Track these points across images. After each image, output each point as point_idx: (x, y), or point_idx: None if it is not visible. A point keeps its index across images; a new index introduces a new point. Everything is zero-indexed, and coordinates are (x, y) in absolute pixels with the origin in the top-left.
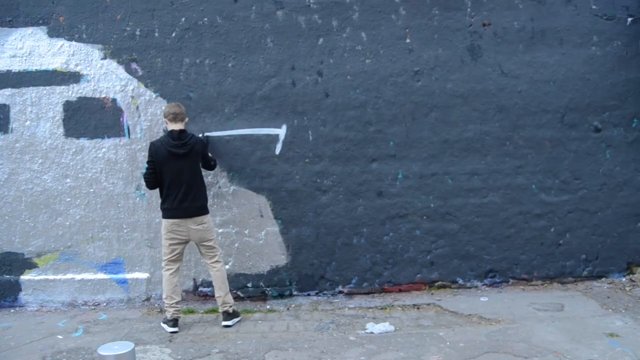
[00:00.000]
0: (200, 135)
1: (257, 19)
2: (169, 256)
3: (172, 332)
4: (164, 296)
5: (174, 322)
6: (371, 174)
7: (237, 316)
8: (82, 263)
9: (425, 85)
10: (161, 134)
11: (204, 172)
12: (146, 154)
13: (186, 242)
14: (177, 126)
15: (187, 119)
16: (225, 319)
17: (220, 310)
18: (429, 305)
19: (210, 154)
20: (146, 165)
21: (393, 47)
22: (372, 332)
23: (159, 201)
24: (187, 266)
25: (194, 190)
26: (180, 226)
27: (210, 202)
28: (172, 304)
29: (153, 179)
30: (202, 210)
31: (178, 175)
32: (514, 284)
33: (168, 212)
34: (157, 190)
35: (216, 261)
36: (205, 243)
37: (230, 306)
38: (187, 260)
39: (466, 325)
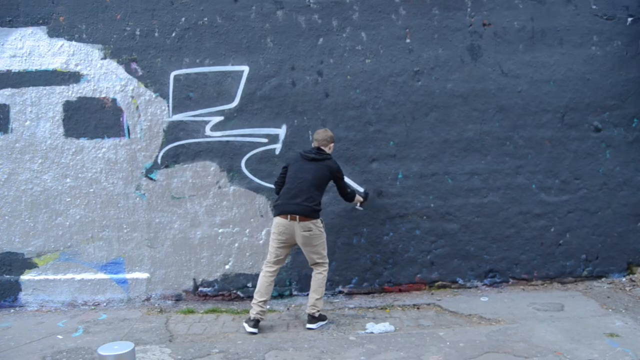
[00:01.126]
0: (363, 190)
1: (257, 19)
2: (270, 256)
3: (250, 333)
4: (255, 292)
5: (255, 323)
6: (371, 174)
7: (324, 319)
8: (82, 263)
9: (425, 85)
10: (161, 133)
11: None
12: (146, 153)
13: (291, 246)
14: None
15: (332, 145)
16: (309, 322)
17: (307, 311)
18: (429, 305)
19: (348, 188)
20: (281, 172)
21: (393, 47)
22: (372, 332)
23: (159, 201)
24: (187, 266)
25: (311, 194)
26: (284, 227)
27: (210, 201)
28: (261, 302)
29: (282, 182)
30: (309, 216)
31: (302, 174)
32: (514, 284)
33: (277, 208)
34: (158, 190)
35: (316, 267)
36: (309, 248)
37: (318, 310)
38: (187, 260)
39: (466, 325)
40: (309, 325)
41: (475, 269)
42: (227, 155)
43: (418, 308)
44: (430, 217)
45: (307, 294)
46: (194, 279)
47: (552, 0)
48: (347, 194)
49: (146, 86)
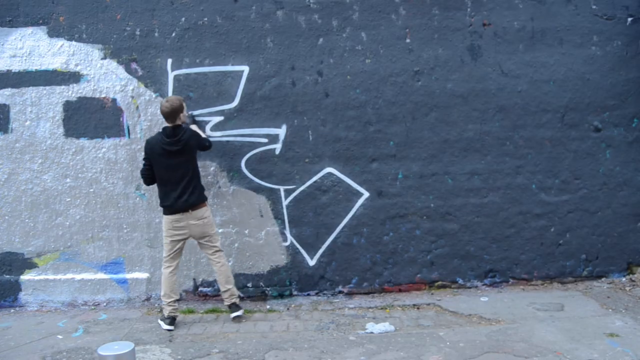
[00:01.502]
0: (188, 114)
1: (257, 19)
2: (169, 253)
3: (168, 330)
4: (162, 294)
5: (171, 320)
6: (371, 174)
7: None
8: (82, 263)
9: (425, 85)
10: None
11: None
12: None
13: (185, 239)
14: (171, 123)
15: (182, 113)
16: (234, 310)
17: (228, 302)
18: (429, 305)
19: (202, 134)
20: (143, 162)
21: (393, 47)
22: (372, 332)
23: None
24: (187, 266)
25: (192, 184)
26: (181, 222)
27: (210, 202)
28: (170, 302)
29: (149, 174)
30: (200, 203)
31: (174, 172)
32: (514, 284)
33: (168, 209)
34: (156, 190)
35: (219, 256)
36: (206, 238)
37: (237, 297)
38: (187, 260)
39: (466, 325)
40: (235, 314)
41: (475, 269)
42: (227, 155)
43: (418, 308)
44: (430, 217)
45: (308, 294)
46: (194, 279)
47: (552, 0)
48: (207, 146)
49: (146, 86)
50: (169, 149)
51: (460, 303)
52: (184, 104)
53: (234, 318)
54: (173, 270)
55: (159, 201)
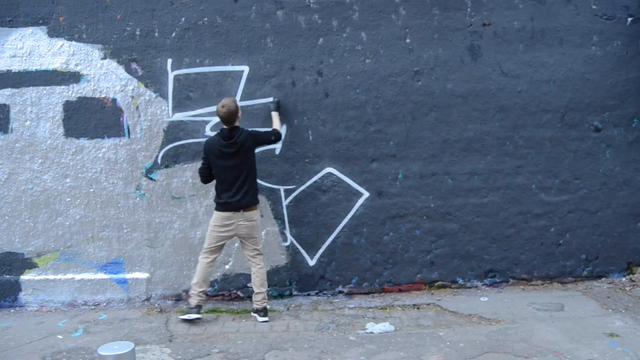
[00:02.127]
0: (272, 99)
1: (257, 19)
2: (211, 246)
3: (196, 318)
4: (194, 281)
5: (198, 309)
6: (371, 174)
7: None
8: (82, 263)
9: (425, 85)
10: (161, 133)
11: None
12: (146, 153)
13: (231, 237)
14: (228, 126)
15: (239, 116)
16: (263, 315)
17: (259, 306)
18: (429, 305)
19: (275, 124)
20: (201, 161)
21: (393, 47)
22: (372, 332)
23: (159, 201)
24: (187, 266)
25: (246, 185)
26: (231, 220)
27: (210, 202)
28: (200, 292)
29: (207, 174)
30: (252, 205)
31: (230, 172)
32: (514, 284)
33: (221, 205)
34: (158, 190)
35: (259, 260)
36: (251, 240)
37: (267, 302)
38: (187, 260)
39: (466, 325)
40: (263, 319)
41: (475, 269)
42: None
43: (418, 308)
44: (430, 217)
45: (308, 294)
46: None
47: (552, 0)
48: (274, 140)
49: (146, 86)
50: (225, 150)
51: (460, 303)
52: (238, 105)
53: (262, 322)
54: (210, 262)
55: (214, 199)
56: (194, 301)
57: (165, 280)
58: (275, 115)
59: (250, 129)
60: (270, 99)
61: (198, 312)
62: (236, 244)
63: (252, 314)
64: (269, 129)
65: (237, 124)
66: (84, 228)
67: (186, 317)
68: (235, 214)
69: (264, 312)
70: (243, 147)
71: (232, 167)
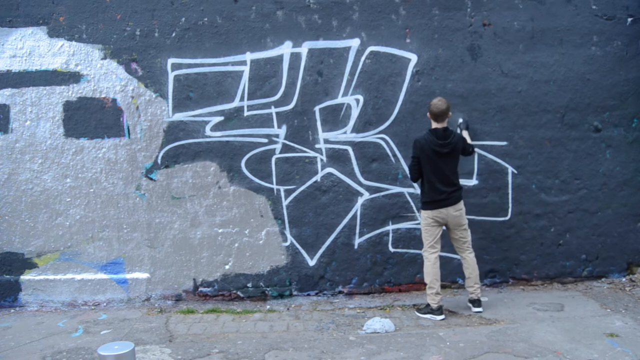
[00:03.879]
0: (460, 121)
1: (257, 19)
2: (431, 241)
3: (441, 320)
4: (428, 280)
5: (441, 310)
6: (371, 174)
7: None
8: (82, 263)
9: (425, 85)
10: (161, 134)
11: None
12: (146, 154)
13: (444, 224)
14: (440, 125)
15: (450, 114)
16: (477, 306)
17: (475, 297)
18: None
19: (468, 140)
20: (411, 159)
21: (393, 47)
22: (374, 329)
23: (159, 201)
24: (187, 266)
25: (454, 182)
26: (442, 213)
27: (210, 202)
28: (438, 290)
29: (418, 172)
30: (460, 198)
31: (442, 171)
32: (514, 284)
33: (431, 204)
34: (158, 191)
35: (468, 246)
36: (461, 228)
37: (479, 293)
38: (187, 260)
39: (466, 325)
40: (477, 309)
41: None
42: (227, 155)
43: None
44: None
45: (308, 294)
46: (194, 279)
47: (552, 0)
48: (470, 152)
49: (146, 86)
50: (439, 150)
51: (460, 303)
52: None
53: (476, 313)
54: (437, 256)
55: (420, 195)
56: (435, 303)
57: (165, 280)
58: (466, 135)
59: (459, 134)
60: (464, 119)
61: (442, 314)
62: (236, 244)
63: (468, 303)
64: (469, 143)
65: (445, 124)
66: (84, 228)
67: (428, 317)
68: (447, 209)
69: (479, 303)
70: (456, 148)
71: (443, 166)
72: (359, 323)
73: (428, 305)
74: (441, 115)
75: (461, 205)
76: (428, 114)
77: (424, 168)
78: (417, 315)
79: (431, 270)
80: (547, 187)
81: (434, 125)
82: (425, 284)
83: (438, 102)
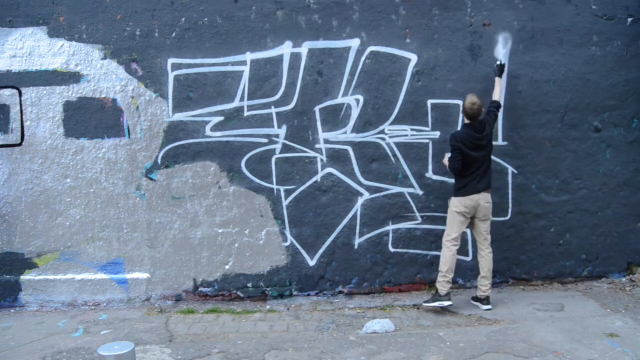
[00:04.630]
0: (498, 63)
1: (257, 19)
2: (456, 232)
3: (449, 305)
4: (444, 269)
5: (449, 296)
6: (371, 174)
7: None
8: (82, 263)
9: (425, 85)
10: (161, 134)
11: None
12: (146, 154)
13: (471, 218)
14: (476, 119)
15: (483, 110)
16: (486, 304)
17: (482, 295)
18: None
19: (491, 102)
20: (451, 154)
21: (393, 47)
22: (374, 330)
23: (159, 201)
24: (187, 266)
25: (488, 170)
26: (473, 201)
27: (210, 201)
28: (450, 279)
29: (461, 164)
30: (490, 187)
31: (480, 161)
32: (514, 284)
33: (466, 190)
34: (158, 191)
35: (489, 243)
36: (487, 221)
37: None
38: (187, 260)
39: (466, 325)
40: (486, 307)
41: (475, 269)
42: (227, 155)
43: (418, 308)
44: (430, 217)
45: (308, 294)
46: (194, 279)
47: (552, 0)
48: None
49: (146, 86)
50: (478, 143)
51: (460, 303)
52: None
53: (486, 310)
54: (456, 250)
55: (456, 184)
56: (445, 289)
57: (165, 280)
58: (498, 83)
59: (482, 117)
60: (498, 62)
61: (450, 299)
62: (236, 244)
63: (473, 302)
64: (490, 107)
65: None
66: (84, 228)
67: (436, 304)
68: (479, 195)
69: (487, 300)
70: (489, 136)
71: (482, 157)
72: (359, 323)
73: (436, 292)
74: (476, 115)
75: (490, 196)
76: (462, 112)
77: (466, 159)
78: (417, 315)
79: (450, 260)
80: (547, 187)
81: (470, 120)
82: (425, 284)
83: (472, 106)
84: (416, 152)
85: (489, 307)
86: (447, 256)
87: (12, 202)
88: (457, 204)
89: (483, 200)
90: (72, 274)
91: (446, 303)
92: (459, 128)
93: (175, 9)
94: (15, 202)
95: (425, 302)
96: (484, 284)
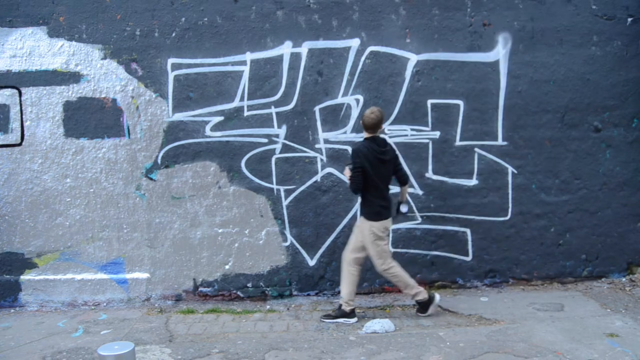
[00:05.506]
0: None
1: (257, 19)
2: (388, 253)
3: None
4: (412, 283)
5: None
6: None
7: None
8: (82, 263)
9: (425, 85)
10: (161, 134)
11: None
12: (146, 154)
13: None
14: (373, 132)
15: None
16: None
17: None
18: None
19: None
20: (353, 169)
21: (393, 47)
22: (374, 330)
23: (159, 201)
24: (187, 266)
25: (388, 192)
26: (390, 226)
27: (210, 202)
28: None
29: (362, 182)
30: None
31: (384, 178)
32: (514, 284)
33: (384, 213)
34: (158, 191)
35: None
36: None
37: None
38: (187, 260)
39: (466, 325)
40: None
41: (475, 269)
42: (227, 155)
43: None
44: (430, 217)
45: (308, 294)
46: (194, 279)
47: (552, 0)
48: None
49: (146, 86)
50: (382, 157)
51: (460, 303)
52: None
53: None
54: (360, 271)
55: (368, 209)
56: (421, 296)
57: (165, 280)
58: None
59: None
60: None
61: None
62: (236, 244)
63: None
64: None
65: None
66: (84, 228)
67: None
68: (389, 220)
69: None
70: (392, 153)
71: (385, 174)
72: (359, 323)
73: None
74: (375, 126)
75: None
76: (363, 124)
77: (369, 178)
78: (417, 315)
79: (404, 276)
80: (547, 187)
81: (371, 134)
82: (425, 283)
83: (370, 115)
84: (416, 152)
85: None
86: (402, 274)
87: (12, 202)
88: (379, 230)
89: (389, 223)
90: (72, 274)
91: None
92: (459, 128)
93: (175, 9)
94: (15, 202)
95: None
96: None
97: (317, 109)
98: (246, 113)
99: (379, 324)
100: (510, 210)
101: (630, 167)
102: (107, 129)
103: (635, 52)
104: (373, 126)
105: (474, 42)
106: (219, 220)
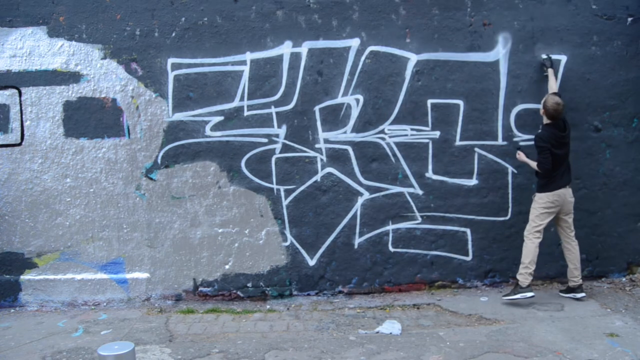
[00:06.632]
0: (544, 56)
1: (257, 19)
2: (540, 225)
3: (531, 296)
4: (527, 261)
5: (530, 288)
6: (371, 174)
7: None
8: (82, 263)
9: (425, 85)
10: (161, 133)
11: None
12: (146, 153)
13: (556, 214)
14: (558, 119)
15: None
16: (580, 292)
17: (575, 285)
18: (429, 305)
19: (554, 81)
20: (541, 155)
21: (393, 47)
22: (379, 332)
23: (159, 201)
24: (187, 266)
25: (569, 166)
26: (559, 195)
27: (210, 201)
28: (531, 272)
29: (551, 164)
30: (571, 181)
31: (563, 157)
32: (514, 283)
33: (553, 185)
34: (158, 190)
35: (575, 235)
36: (570, 215)
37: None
38: (187, 260)
39: (466, 325)
40: (579, 295)
41: (475, 269)
42: (227, 155)
43: (418, 308)
44: (430, 217)
45: (308, 294)
46: (194, 279)
47: (552, 0)
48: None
49: (146, 86)
50: (563, 141)
51: (460, 303)
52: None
53: (580, 299)
54: (539, 243)
55: (541, 181)
56: (527, 281)
57: (165, 280)
58: (551, 74)
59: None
60: (544, 56)
61: (531, 291)
62: (236, 244)
63: (563, 294)
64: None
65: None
66: (84, 228)
67: (525, 295)
68: (563, 190)
69: (581, 288)
70: (569, 133)
71: (566, 154)
72: (359, 323)
73: (516, 285)
74: (561, 114)
75: (572, 192)
76: (544, 113)
77: (554, 157)
78: (417, 315)
79: (532, 252)
80: None
81: (551, 120)
82: (425, 283)
83: (557, 107)
84: (416, 152)
85: (583, 294)
86: (530, 248)
87: (12, 202)
88: (544, 199)
89: (568, 195)
90: (72, 273)
91: (529, 294)
92: (459, 128)
93: (175, 8)
94: (15, 202)
95: (505, 295)
96: (575, 275)
97: (317, 108)
98: (246, 113)
99: (391, 325)
100: (510, 210)
101: (630, 167)
102: (107, 129)
103: (635, 52)
104: (556, 115)
105: (474, 42)
106: (219, 220)
